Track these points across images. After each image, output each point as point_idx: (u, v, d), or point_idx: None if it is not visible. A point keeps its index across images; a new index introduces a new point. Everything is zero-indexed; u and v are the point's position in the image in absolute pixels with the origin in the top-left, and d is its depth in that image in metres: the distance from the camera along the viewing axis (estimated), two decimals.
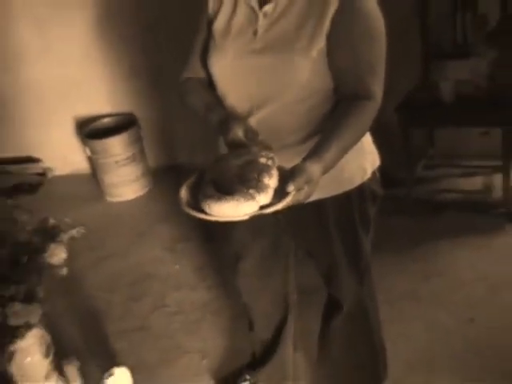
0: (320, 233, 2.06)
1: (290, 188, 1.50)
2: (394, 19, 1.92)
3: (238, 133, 1.74)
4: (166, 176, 4.64)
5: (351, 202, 2.00)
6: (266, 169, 1.57)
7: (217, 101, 1.93)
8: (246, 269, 2.30)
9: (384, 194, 2.09)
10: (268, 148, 1.68)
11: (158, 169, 4.78)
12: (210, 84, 1.96)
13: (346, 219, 2.03)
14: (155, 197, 4.51)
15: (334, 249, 2.08)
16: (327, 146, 1.64)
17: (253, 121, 1.84)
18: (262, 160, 1.59)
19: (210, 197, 1.52)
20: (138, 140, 4.53)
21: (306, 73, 1.75)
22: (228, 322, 3.09)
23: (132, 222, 4.22)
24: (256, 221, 1.59)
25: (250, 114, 1.85)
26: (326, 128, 1.72)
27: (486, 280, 3.07)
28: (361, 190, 2.00)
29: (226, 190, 1.53)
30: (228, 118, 1.80)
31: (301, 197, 1.55)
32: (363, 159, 1.99)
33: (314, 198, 1.66)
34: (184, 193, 1.60)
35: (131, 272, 3.63)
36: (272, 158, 1.61)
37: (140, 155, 4.55)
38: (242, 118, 1.81)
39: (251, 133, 1.74)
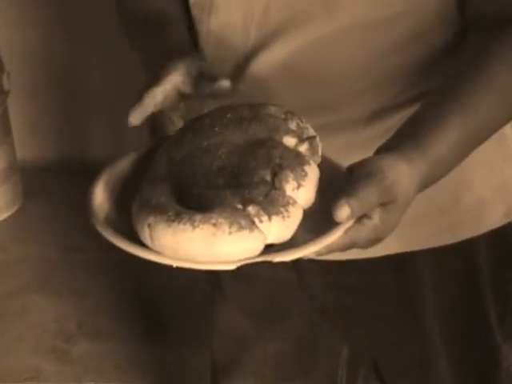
0: (403, 326, 1.27)
1: (343, 212, 0.80)
2: None
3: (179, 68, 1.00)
4: (53, 181, 3.07)
5: (477, 263, 1.21)
6: (292, 161, 0.92)
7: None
8: None
9: None
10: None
11: (38, 167, 3.21)
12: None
13: (463, 299, 1.23)
14: (28, 227, 2.94)
15: (435, 364, 1.27)
16: (435, 129, 0.92)
17: (270, 60, 1.08)
18: (289, 140, 0.94)
19: (160, 211, 0.87)
20: None
21: None
22: None
23: None
24: (267, 283, 1.16)
25: (266, 43, 1.09)
26: (435, 91, 1.01)
27: None
28: (500, 237, 1.20)
29: (198, 199, 0.91)
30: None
31: (368, 235, 0.85)
32: (508, 168, 1.20)
33: (392, 248, 1.05)
34: (101, 196, 0.95)
35: None
36: (310, 140, 0.95)
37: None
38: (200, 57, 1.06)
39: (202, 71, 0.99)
